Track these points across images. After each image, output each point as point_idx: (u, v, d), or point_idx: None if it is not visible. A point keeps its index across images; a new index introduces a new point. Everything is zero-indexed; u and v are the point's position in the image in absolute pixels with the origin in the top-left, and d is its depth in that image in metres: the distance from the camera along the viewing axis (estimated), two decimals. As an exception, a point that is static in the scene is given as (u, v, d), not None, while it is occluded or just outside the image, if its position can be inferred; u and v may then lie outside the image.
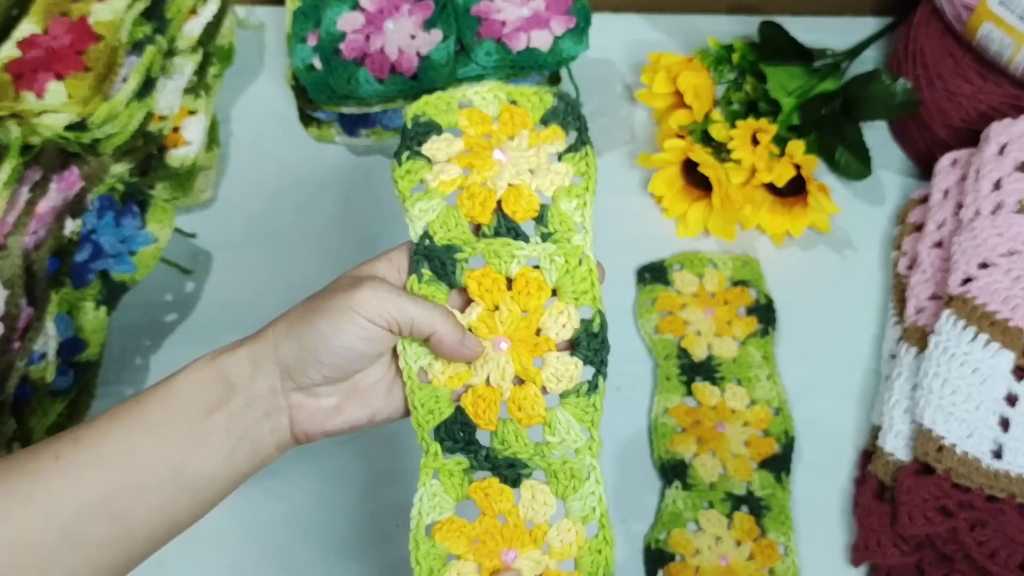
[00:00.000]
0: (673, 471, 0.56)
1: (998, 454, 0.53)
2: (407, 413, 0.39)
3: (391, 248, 0.40)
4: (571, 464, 0.38)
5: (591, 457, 0.38)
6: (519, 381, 0.39)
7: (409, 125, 0.41)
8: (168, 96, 0.64)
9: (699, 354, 0.60)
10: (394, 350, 0.39)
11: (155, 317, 0.61)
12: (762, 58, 0.69)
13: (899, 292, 0.63)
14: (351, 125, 0.69)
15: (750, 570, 0.53)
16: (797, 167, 0.63)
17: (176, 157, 0.63)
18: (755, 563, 0.54)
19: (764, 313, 0.63)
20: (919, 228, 0.65)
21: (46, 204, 0.54)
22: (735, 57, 0.69)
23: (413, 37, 0.64)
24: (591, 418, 0.38)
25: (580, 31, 0.63)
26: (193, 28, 0.67)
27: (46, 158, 0.55)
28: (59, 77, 0.58)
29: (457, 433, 0.38)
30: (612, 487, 0.57)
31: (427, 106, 0.42)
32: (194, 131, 0.65)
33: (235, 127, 0.70)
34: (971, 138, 0.65)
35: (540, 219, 0.40)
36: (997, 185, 0.59)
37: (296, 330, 0.35)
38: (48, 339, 0.52)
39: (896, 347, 0.60)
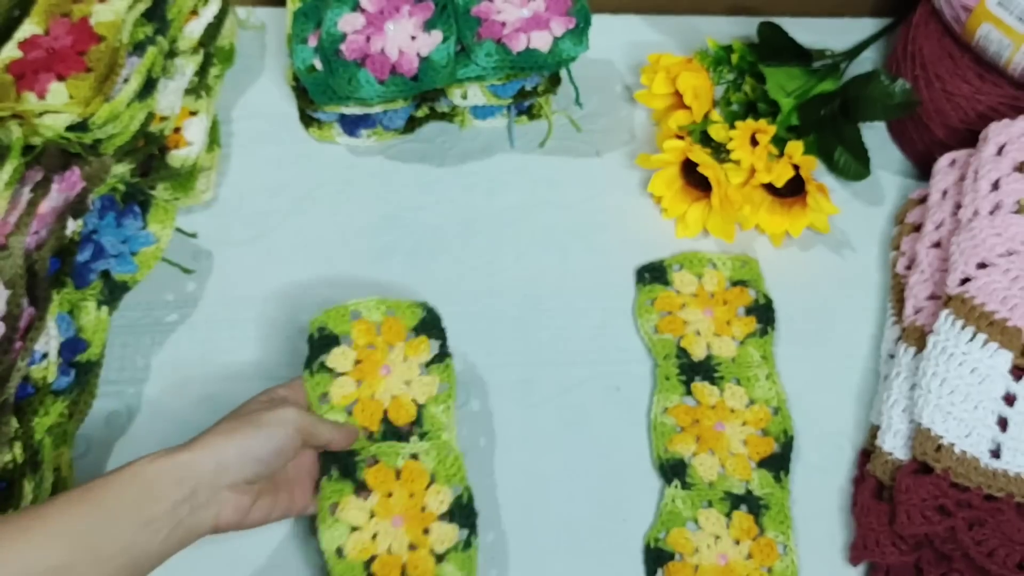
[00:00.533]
0: (672, 470, 0.57)
1: (996, 453, 0.53)
2: (303, 509, 0.51)
3: (296, 377, 0.54)
4: None
5: None
6: (413, 547, 0.51)
7: (315, 336, 0.55)
8: (169, 97, 0.64)
9: (698, 354, 0.61)
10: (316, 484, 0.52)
11: (156, 317, 0.61)
12: (761, 59, 0.70)
13: (898, 292, 0.63)
14: (352, 125, 0.69)
15: (749, 569, 0.53)
16: (796, 167, 0.64)
17: (177, 157, 0.64)
18: (754, 562, 0.54)
19: (763, 313, 0.63)
20: (918, 228, 0.65)
21: (47, 204, 0.54)
22: (734, 58, 0.70)
23: (413, 38, 0.64)
24: (468, 567, 0.51)
25: (580, 32, 0.63)
26: (194, 29, 0.67)
27: (47, 158, 0.56)
28: (60, 78, 0.58)
29: None
30: (612, 486, 0.57)
31: (327, 319, 0.56)
32: (195, 132, 0.65)
33: (236, 127, 0.70)
34: (969, 139, 0.65)
35: (417, 421, 0.54)
36: (995, 185, 0.59)
37: (237, 436, 0.45)
38: (49, 339, 0.52)
39: (895, 347, 0.60)
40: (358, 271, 0.64)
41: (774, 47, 0.71)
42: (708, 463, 0.57)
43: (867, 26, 0.79)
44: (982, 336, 0.54)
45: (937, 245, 0.62)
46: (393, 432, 0.53)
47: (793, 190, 0.66)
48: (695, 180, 0.66)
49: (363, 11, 0.65)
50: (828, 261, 0.67)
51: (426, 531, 0.51)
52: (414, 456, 0.53)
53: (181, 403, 0.58)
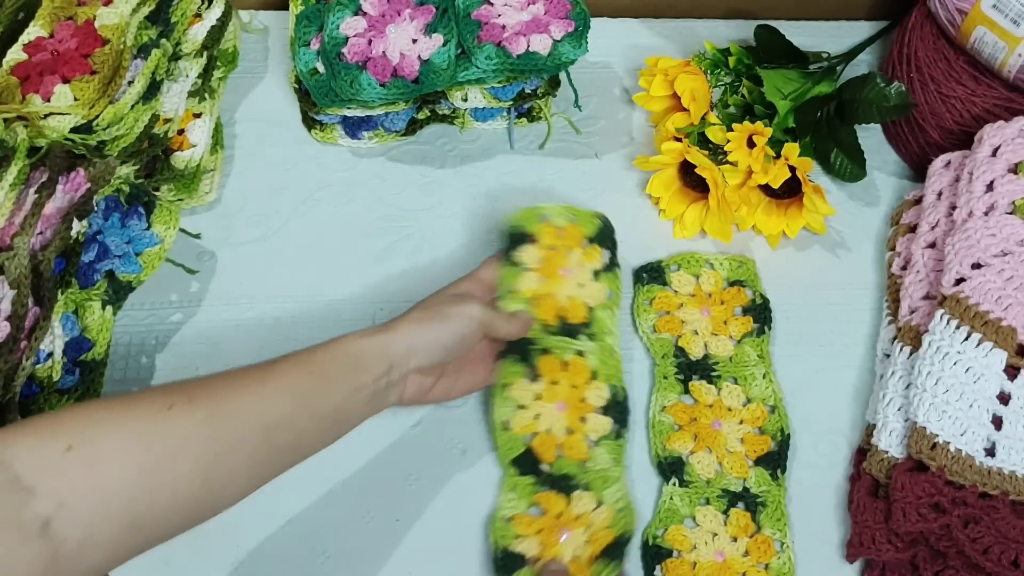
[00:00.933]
0: (670, 468, 0.57)
1: (991, 452, 0.53)
2: (478, 389, 0.57)
3: (476, 269, 0.59)
4: (603, 473, 0.55)
5: (618, 471, 0.56)
6: (570, 431, 0.56)
7: (510, 232, 0.61)
8: (173, 99, 0.64)
9: (696, 353, 0.61)
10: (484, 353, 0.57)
11: (160, 316, 0.62)
12: (758, 62, 0.70)
13: (893, 292, 0.64)
14: (354, 128, 0.70)
15: (746, 566, 0.54)
16: (792, 169, 0.64)
17: (181, 159, 0.64)
18: (751, 559, 0.54)
19: (760, 313, 0.63)
20: (913, 229, 0.66)
21: (52, 205, 0.55)
22: (731, 61, 0.70)
23: (414, 41, 0.64)
24: (616, 454, 0.56)
25: (579, 35, 0.64)
26: (198, 32, 0.67)
27: (52, 160, 0.56)
28: (65, 80, 0.59)
29: (526, 463, 0.55)
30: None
31: (521, 217, 0.61)
32: (199, 133, 0.65)
33: (239, 129, 0.71)
34: (964, 140, 0.66)
35: (586, 323, 0.59)
36: (990, 187, 0.60)
37: (427, 325, 0.51)
38: (55, 338, 0.53)
39: (890, 346, 0.61)
40: (360, 271, 0.64)
41: (771, 50, 0.71)
42: (705, 461, 0.57)
43: (863, 29, 0.79)
44: (977, 335, 0.55)
45: (932, 246, 0.62)
46: (566, 328, 0.58)
47: (789, 191, 0.66)
48: (693, 181, 0.67)
49: (365, 15, 0.66)
50: (824, 261, 0.67)
51: (583, 419, 0.56)
52: (580, 353, 0.58)
53: (184, 402, 0.58)
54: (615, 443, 0.56)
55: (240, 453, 0.42)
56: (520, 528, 0.53)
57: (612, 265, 0.61)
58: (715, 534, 0.55)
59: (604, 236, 0.62)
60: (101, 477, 0.37)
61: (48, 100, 0.58)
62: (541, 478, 0.55)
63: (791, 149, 0.64)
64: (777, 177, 0.64)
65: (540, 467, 0.55)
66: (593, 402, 0.57)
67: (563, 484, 0.54)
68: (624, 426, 0.57)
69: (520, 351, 0.57)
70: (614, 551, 0.52)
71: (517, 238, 0.60)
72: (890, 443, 0.56)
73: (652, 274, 0.65)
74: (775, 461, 0.58)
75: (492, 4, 0.66)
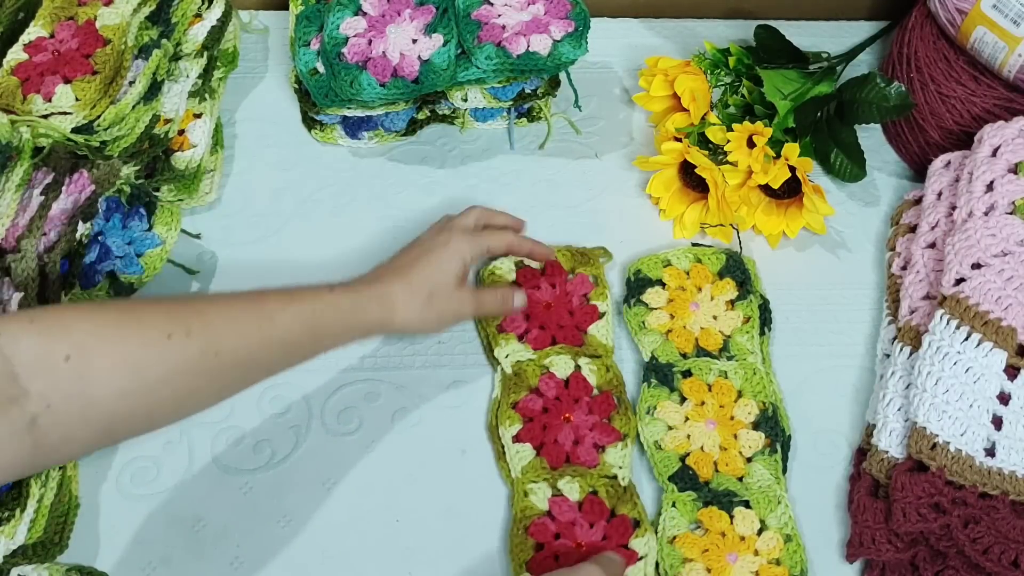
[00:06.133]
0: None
1: (991, 452, 0.53)
2: (461, 319, 0.58)
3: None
4: (767, 493, 0.56)
5: (780, 491, 0.56)
6: (723, 448, 0.57)
7: (632, 279, 0.63)
8: (173, 99, 0.64)
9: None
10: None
11: (160, 317, 0.62)
12: (758, 62, 0.70)
13: (893, 292, 0.64)
14: (354, 128, 0.70)
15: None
16: (792, 169, 0.64)
17: (182, 159, 0.64)
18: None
19: (760, 313, 0.63)
20: (913, 229, 0.66)
21: (56, 207, 0.55)
22: (731, 61, 0.70)
23: (415, 41, 0.65)
24: (774, 469, 0.57)
25: (579, 35, 0.64)
26: (198, 32, 0.67)
27: (55, 161, 0.56)
28: (67, 80, 0.59)
29: (684, 479, 0.56)
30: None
31: (641, 265, 0.64)
32: (199, 134, 0.65)
33: (239, 130, 0.71)
34: (964, 140, 0.66)
35: (724, 347, 0.61)
36: (990, 187, 0.60)
37: (410, 260, 0.56)
38: (56, 339, 0.53)
39: (890, 346, 0.61)
40: (359, 271, 0.64)
41: (771, 50, 0.71)
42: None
43: (863, 29, 0.79)
44: (976, 336, 0.55)
45: (932, 246, 0.62)
46: (703, 355, 0.60)
47: (789, 191, 0.66)
48: (693, 181, 0.67)
49: (365, 15, 0.66)
50: (824, 262, 0.67)
51: (735, 436, 0.57)
52: (723, 374, 0.59)
53: (185, 402, 0.58)
54: (770, 459, 0.57)
55: (216, 384, 0.45)
56: (686, 550, 0.53)
57: (745, 293, 0.62)
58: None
59: (732, 269, 0.63)
60: (89, 391, 0.41)
61: (50, 100, 0.58)
62: (701, 494, 0.55)
63: (791, 149, 0.64)
64: (777, 177, 0.64)
65: (699, 483, 0.55)
66: (743, 419, 0.58)
67: (724, 500, 0.55)
68: (776, 440, 0.57)
69: (660, 374, 0.59)
70: None
71: (640, 283, 0.62)
72: (890, 443, 0.56)
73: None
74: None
75: (492, 4, 0.66)
